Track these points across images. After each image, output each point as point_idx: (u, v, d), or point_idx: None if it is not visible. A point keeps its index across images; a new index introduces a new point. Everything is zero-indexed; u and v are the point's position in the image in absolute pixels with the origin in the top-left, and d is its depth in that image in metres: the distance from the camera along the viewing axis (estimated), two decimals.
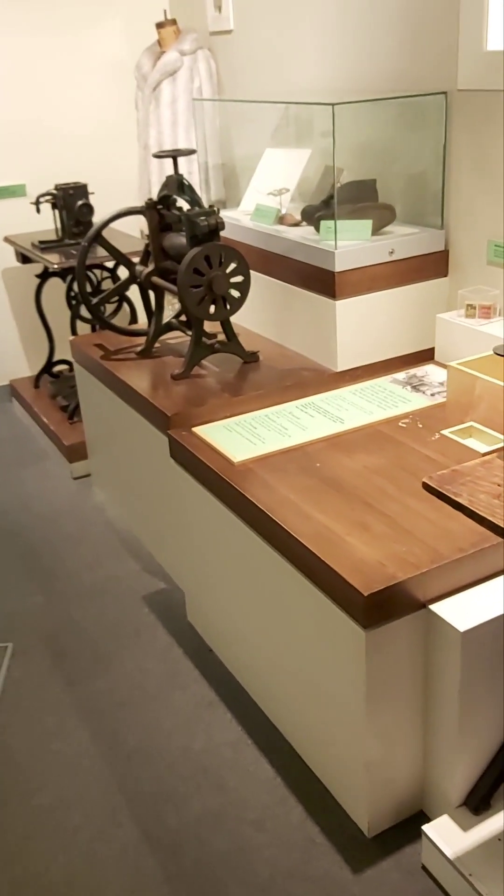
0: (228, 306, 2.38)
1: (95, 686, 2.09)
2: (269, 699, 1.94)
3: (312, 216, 2.56)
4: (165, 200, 2.49)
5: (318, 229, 2.46)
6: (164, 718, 1.98)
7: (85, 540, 2.75)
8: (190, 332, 2.68)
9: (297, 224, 2.63)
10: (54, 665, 2.18)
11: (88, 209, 3.06)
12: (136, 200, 3.65)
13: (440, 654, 1.49)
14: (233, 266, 2.33)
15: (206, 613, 2.20)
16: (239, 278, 2.35)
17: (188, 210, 2.29)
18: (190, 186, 2.33)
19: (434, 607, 1.48)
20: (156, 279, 2.54)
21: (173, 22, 3.37)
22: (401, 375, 2.29)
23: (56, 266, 2.87)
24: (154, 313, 2.61)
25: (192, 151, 2.38)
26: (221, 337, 2.48)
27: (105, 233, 2.47)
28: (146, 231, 3.61)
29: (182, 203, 2.50)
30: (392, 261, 2.36)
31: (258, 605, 1.85)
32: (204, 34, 3.37)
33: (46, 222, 3.25)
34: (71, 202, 3.06)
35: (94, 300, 2.61)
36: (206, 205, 2.34)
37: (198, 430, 2.06)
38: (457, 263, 2.41)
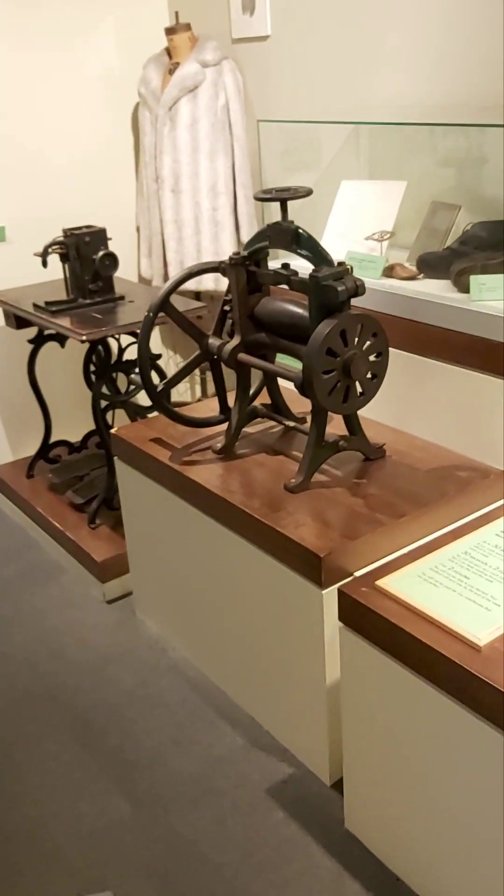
0: (362, 393, 1.79)
1: None
2: None
3: (439, 267, 2.01)
4: (256, 255, 1.88)
5: (458, 285, 1.90)
6: None
7: (153, 699, 2.07)
8: (285, 421, 2.08)
9: (412, 277, 2.07)
10: None
11: (112, 261, 2.39)
12: (138, 245, 3.01)
13: None
14: (369, 342, 1.74)
15: (386, 827, 1.58)
16: (375, 356, 1.77)
17: (314, 271, 1.68)
18: (310, 238, 1.73)
19: None
20: (243, 356, 1.93)
21: (187, 27, 2.76)
22: None
23: (84, 338, 2.21)
24: (238, 398, 1.99)
25: (308, 192, 1.77)
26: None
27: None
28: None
29: (271, 256, 1.91)
30: None
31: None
32: (224, 41, 2.77)
33: (36, 274, 2.52)
34: (87, 252, 2.39)
35: (160, 387, 1.98)
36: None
37: (385, 584, 1.46)
38: None
